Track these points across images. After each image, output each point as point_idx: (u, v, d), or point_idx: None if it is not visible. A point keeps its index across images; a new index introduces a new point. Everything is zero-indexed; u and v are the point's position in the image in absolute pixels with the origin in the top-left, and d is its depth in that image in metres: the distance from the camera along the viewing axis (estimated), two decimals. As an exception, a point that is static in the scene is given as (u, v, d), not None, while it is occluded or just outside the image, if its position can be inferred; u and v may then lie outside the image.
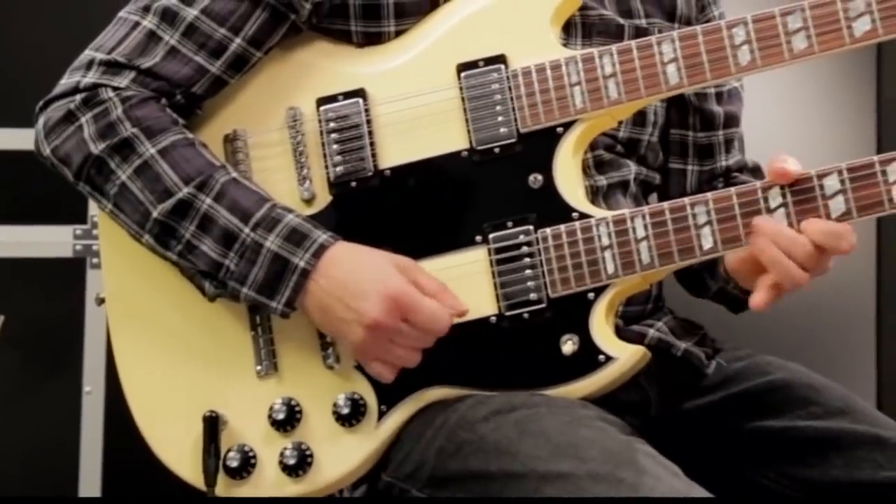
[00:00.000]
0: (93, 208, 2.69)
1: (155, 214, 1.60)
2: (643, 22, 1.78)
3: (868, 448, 1.64)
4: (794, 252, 1.53)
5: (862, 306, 2.93)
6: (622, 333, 1.66)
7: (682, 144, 1.90)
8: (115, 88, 1.63)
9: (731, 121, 1.92)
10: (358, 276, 1.56)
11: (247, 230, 1.58)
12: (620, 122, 1.76)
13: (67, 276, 2.73)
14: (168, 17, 1.65)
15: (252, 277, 1.58)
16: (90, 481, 2.72)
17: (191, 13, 1.65)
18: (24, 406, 2.80)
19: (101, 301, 1.73)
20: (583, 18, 1.75)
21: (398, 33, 1.68)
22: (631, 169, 1.79)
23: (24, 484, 2.78)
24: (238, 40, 1.65)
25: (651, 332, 1.75)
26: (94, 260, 2.71)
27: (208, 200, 1.59)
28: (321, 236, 1.58)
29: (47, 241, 2.73)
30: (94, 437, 2.72)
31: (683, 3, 1.85)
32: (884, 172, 1.54)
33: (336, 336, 1.61)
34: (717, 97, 1.89)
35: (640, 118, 1.79)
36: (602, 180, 1.74)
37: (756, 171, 1.94)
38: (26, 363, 2.81)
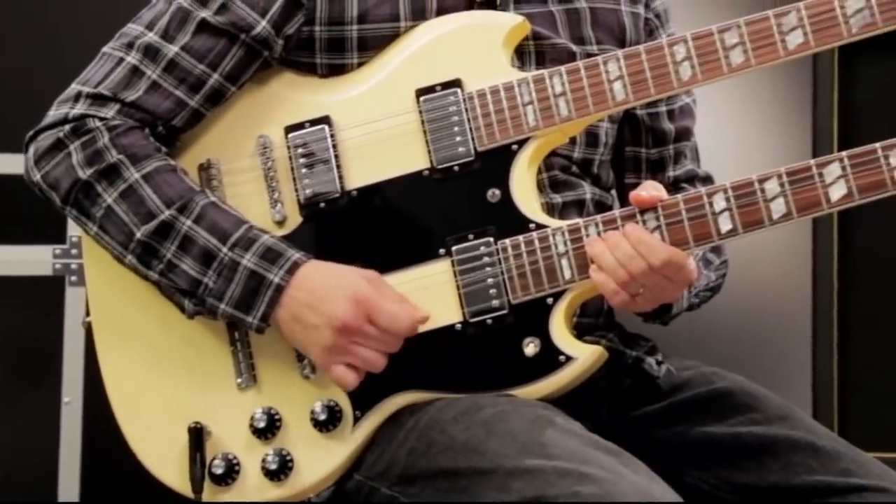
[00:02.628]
0: (71, 229, 2.74)
1: (138, 235, 1.65)
2: (595, 48, 1.81)
3: (804, 454, 1.68)
4: (616, 252, 1.60)
5: (798, 324, 2.97)
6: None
7: (636, 160, 1.93)
8: (101, 119, 1.68)
9: (682, 135, 1.95)
10: (327, 285, 1.62)
11: (225, 249, 1.64)
12: (575, 144, 1.80)
13: (47, 293, 2.77)
14: (150, 53, 1.70)
15: (229, 294, 1.63)
16: (69, 488, 2.74)
17: (172, 50, 1.70)
18: (4, 416, 2.82)
19: (87, 325, 1.76)
20: (537, 47, 1.78)
21: (360, 65, 1.74)
22: (586, 189, 1.82)
23: (5, 491, 2.79)
24: (216, 76, 1.71)
25: (603, 341, 1.79)
26: (73, 278, 2.76)
27: (188, 222, 1.65)
28: (294, 254, 1.64)
29: (28, 259, 2.78)
30: (72, 446, 2.74)
31: (632, 28, 1.88)
32: (821, 175, 1.60)
33: (306, 345, 1.64)
34: (669, 115, 1.93)
35: (592, 139, 1.84)
36: (557, 198, 1.79)
37: (706, 181, 1.97)
38: (7, 375, 2.83)
